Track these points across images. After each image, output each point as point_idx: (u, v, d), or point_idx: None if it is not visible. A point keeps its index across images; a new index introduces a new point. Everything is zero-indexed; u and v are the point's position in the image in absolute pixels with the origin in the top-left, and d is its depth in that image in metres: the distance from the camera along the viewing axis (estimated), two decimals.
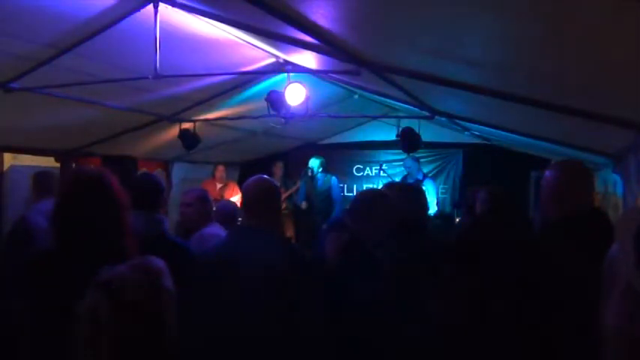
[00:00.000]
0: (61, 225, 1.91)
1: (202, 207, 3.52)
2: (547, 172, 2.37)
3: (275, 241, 2.42)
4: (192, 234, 3.44)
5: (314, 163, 7.06)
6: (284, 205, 7.39)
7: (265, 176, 2.53)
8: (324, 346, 2.25)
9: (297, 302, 2.21)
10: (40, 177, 3.91)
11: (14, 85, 3.71)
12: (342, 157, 8.65)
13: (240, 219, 3.64)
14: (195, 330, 2.09)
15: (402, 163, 7.71)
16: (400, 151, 6.41)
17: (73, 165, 5.78)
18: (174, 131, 5.64)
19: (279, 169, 7.76)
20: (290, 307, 2.20)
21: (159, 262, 1.79)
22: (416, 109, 5.29)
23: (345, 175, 8.54)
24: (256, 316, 2.19)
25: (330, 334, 2.30)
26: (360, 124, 8.32)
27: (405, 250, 2.64)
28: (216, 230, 3.42)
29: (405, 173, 6.99)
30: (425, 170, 7.84)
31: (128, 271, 1.72)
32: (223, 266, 2.30)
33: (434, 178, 7.66)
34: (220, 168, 7.59)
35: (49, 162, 5.77)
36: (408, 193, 3.02)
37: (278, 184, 2.65)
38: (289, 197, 7.55)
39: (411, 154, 6.43)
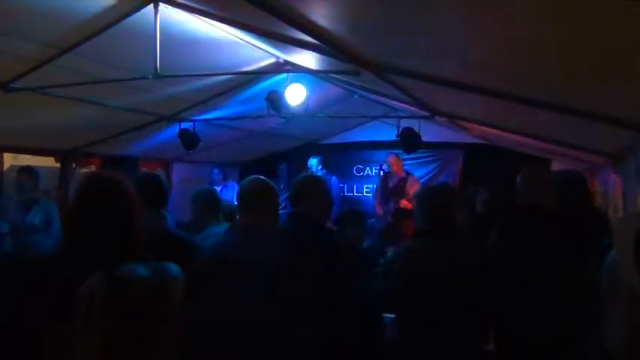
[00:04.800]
0: (74, 226, 1.94)
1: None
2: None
3: (272, 239, 2.42)
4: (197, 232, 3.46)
5: (312, 162, 7.04)
6: None
7: (261, 176, 2.56)
8: (324, 342, 2.25)
9: (297, 300, 2.21)
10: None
11: (14, 85, 3.71)
12: (342, 157, 8.61)
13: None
14: (195, 328, 2.09)
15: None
16: (401, 151, 6.40)
17: (74, 165, 5.77)
18: (174, 131, 5.64)
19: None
20: (289, 305, 2.19)
21: (175, 270, 1.87)
22: (416, 109, 5.29)
23: (345, 175, 8.50)
24: (255, 314, 2.19)
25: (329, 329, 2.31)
26: (360, 124, 8.29)
27: None
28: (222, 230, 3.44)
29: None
30: (425, 170, 7.86)
31: (141, 269, 1.77)
32: (220, 265, 2.30)
33: (434, 178, 7.65)
34: (215, 171, 7.61)
35: (49, 162, 5.77)
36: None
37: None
38: None
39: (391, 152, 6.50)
